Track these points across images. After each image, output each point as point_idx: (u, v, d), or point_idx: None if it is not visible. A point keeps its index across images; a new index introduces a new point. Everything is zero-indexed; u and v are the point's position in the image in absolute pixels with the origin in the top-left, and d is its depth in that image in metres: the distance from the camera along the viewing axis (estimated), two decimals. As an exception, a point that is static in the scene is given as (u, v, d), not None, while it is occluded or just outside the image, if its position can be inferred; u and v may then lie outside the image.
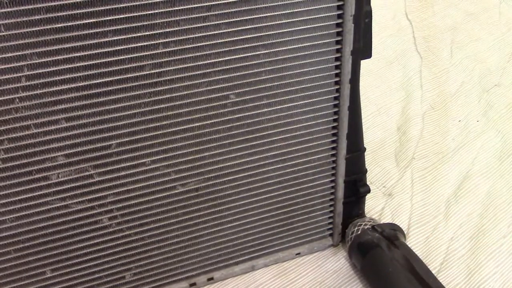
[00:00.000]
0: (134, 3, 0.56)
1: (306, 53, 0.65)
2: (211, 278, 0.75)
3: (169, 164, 0.65)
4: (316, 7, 0.63)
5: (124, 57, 0.58)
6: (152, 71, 0.59)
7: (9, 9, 0.51)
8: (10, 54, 0.53)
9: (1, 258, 0.63)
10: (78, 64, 0.56)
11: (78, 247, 0.66)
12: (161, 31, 0.58)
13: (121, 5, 0.55)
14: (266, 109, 0.66)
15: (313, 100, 0.68)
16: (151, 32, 0.57)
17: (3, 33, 0.52)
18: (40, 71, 0.55)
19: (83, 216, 0.65)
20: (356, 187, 0.79)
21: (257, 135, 0.67)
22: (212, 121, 0.65)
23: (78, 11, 0.54)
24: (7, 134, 0.57)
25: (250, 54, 0.62)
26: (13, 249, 0.63)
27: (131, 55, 0.58)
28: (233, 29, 0.60)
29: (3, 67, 0.54)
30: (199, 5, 0.58)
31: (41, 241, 0.64)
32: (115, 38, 0.56)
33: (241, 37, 0.61)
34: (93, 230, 0.66)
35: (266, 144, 0.68)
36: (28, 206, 0.61)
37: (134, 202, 0.66)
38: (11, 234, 0.62)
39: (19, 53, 0.54)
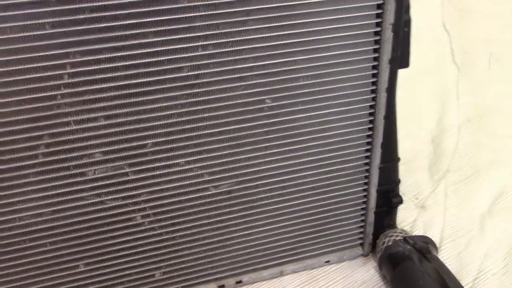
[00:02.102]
0: (175, 6, 0.56)
1: (344, 60, 0.65)
2: (240, 281, 0.76)
3: (203, 165, 0.66)
4: (355, 14, 0.63)
5: (163, 58, 0.58)
6: (190, 73, 0.60)
7: (55, 8, 0.53)
8: (54, 52, 0.55)
9: (36, 250, 0.65)
10: (118, 64, 0.57)
11: (111, 243, 0.67)
12: (200, 34, 0.58)
13: (163, 7, 0.56)
14: (301, 115, 0.66)
15: (349, 107, 0.68)
16: (191, 35, 0.58)
17: (49, 31, 0.54)
18: (82, 69, 0.56)
19: (117, 213, 0.66)
20: (389, 198, 0.78)
21: (292, 140, 0.67)
22: (248, 124, 0.65)
23: (121, 12, 0.55)
24: (48, 129, 0.58)
25: (288, 59, 0.63)
26: (49, 241, 0.65)
27: (170, 57, 0.59)
28: (272, 34, 0.61)
29: (47, 64, 0.55)
30: (238, 9, 0.58)
31: (75, 235, 0.65)
32: (156, 39, 0.57)
33: (279, 42, 0.61)
34: (126, 227, 0.67)
35: (300, 149, 0.68)
36: (65, 200, 0.63)
37: (167, 202, 0.67)
38: (48, 227, 0.64)
39: (63, 51, 0.55)
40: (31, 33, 0.53)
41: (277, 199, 0.71)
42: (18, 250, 0.64)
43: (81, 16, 0.54)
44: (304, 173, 0.70)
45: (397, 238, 0.76)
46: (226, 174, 0.68)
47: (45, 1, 0.52)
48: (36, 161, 0.60)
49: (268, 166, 0.68)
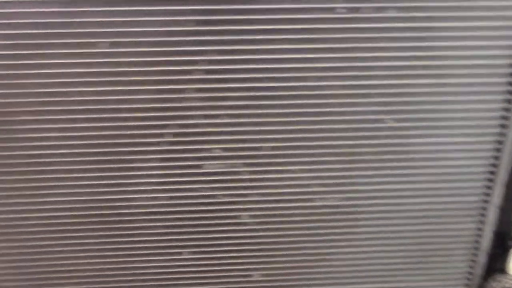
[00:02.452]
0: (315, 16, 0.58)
1: (474, 89, 0.63)
2: (334, 298, 0.75)
3: (314, 176, 0.67)
4: (491, 43, 0.60)
5: (291, 66, 0.60)
6: (315, 84, 0.61)
7: (201, 7, 0.57)
8: (194, 48, 0.59)
9: (149, 231, 0.69)
10: (249, 66, 0.60)
11: (216, 236, 0.70)
12: (328, 45, 0.59)
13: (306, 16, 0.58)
14: (420, 139, 0.65)
15: (473, 139, 0.65)
16: (318, 46, 0.59)
17: (192, 28, 0.58)
18: (217, 67, 0.60)
19: (226, 208, 0.68)
20: (504, 240, 0.73)
21: (408, 164, 0.66)
22: (364, 142, 0.65)
23: (258, 17, 0.58)
24: (177, 120, 0.62)
25: (414, 81, 0.62)
26: (162, 225, 0.69)
27: (297, 65, 0.60)
28: (401, 54, 0.60)
29: (185, 58, 0.59)
30: (372, 25, 0.59)
31: (185, 223, 0.69)
32: (286, 46, 0.59)
33: (407, 63, 0.61)
34: (232, 224, 0.69)
35: (415, 175, 0.67)
36: (181, 189, 0.67)
37: (274, 206, 0.69)
38: (162, 211, 0.68)
39: (202, 48, 0.59)
40: (176, 28, 0.58)
41: (384, 222, 0.70)
42: (132, 228, 0.69)
43: (224, 17, 0.57)
44: (416, 200, 0.69)
45: (507, 285, 0.71)
46: (335, 188, 0.68)
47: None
48: (161, 148, 0.64)
49: (379, 187, 0.67)
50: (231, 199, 0.68)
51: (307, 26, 0.58)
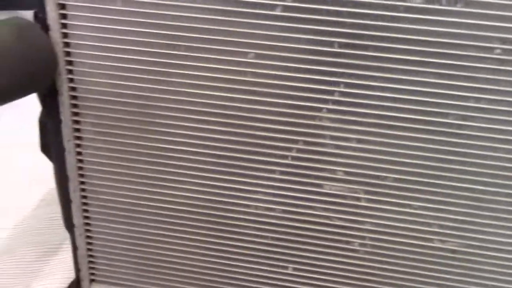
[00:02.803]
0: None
1: None
2: None
3: (435, 215, 0.64)
4: None
5: (430, 100, 0.58)
6: (455, 122, 0.59)
7: (347, 30, 0.57)
8: (334, 69, 0.58)
9: (259, 239, 0.70)
10: (386, 95, 0.59)
11: (324, 258, 0.69)
12: (478, 85, 0.56)
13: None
14: None
15: None
16: (468, 84, 0.57)
17: (335, 49, 0.57)
18: (353, 91, 0.59)
19: (339, 232, 0.67)
20: None
21: (543, 221, 0.61)
22: (497, 189, 0.61)
23: (400, 46, 0.56)
24: (304, 136, 0.63)
25: None
26: (271, 236, 0.70)
27: (437, 100, 0.58)
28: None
29: (323, 78, 0.59)
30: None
31: (295, 239, 0.69)
32: (427, 80, 0.57)
33: None
34: (342, 249, 0.68)
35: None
36: (296, 204, 0.67)
37: (387, 238, 0.66)
38: (275, 223, 0.68)
39: (340, 70, 0.58)
40: (319, 48, 0.58)
41: (506, 277, 0.65)
42: (243, 234, 0.70)
43: (369, 43, 0.57)
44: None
45: None
46: (457, 233, 0.64)
47: (338, 22, 0.56)
48: (284, 161, 0.64)
49: (506, 240, 0.63)
50: (345, 224, 0.67)
51: (455, 62, 0.56)
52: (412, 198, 0.64)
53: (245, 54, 0.59)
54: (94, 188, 0.71)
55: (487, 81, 0.56)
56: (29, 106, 0.72)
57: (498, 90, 0.56)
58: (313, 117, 0.61)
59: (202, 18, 0.58)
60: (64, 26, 0.60)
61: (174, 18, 0.58)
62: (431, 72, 0.57)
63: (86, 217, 0.74)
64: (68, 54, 0.62)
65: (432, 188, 0.63)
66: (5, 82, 0.52)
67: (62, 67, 0.62)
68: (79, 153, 0.69)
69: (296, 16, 0.56)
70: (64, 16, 0.60)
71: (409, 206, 0.64)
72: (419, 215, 0.65)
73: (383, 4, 0.54)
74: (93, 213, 0.73)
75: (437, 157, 0.61)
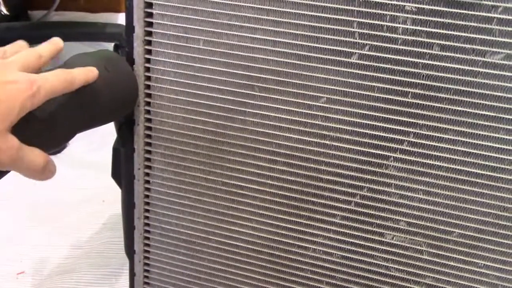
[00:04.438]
0: None
1: None
2: None
3: (502, 277, 0.62)
4: None
5: (498, 156, 0.57)
6: (506, 167, 0.57)
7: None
8: (406, 119, 0.59)
9: (314, 283, 0.69)
10: (456, 148, 0.58)
11: (379, 308, 0.68)
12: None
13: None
14: None
15: None
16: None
17: (408, 99, 0.58)
18: (423, 141, 0.59)
19: (396, 283, 0.66)
20: None
21: None
22: None
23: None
24: (370, 184, 0.63)
25: None
26: (326, 281, 0.69)
27: (507, 157, 0.57)
28: None
29: (395, 127, 0.59)
30: None
31: (350, 286, 0.68)
32: (503, 136, 0.56)
33: None
34: (398, 301, 0.67)
35: None
36: (356, 251, 0.66)
37: (448, 295, 0.65)
38: (331, 268, 0.68)
39: (412, 120, 0.59)
40: (392, 97, 0.58)
41: None
42: (300, 277, 0.70)
43: (444, 95, 0.57)
44: None
45: None
46: (524, 296, 0.62)
47: (413, 73, 0.57)
48: (348, 206, 0.64)
49: None
50: (404, 276, 0.66)
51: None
52: (478, 256, 0.62)
53: (317, 98, 0.60)
54: (158, 217, 0.73)
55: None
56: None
57: None
58: (380, 165, 0.62)
59: (279, 61, 0.60)
60: (148, 61, 0.64)
61: (251, 59, 0.61)
62: (506, 129, 0.56)
63: (147, 245, 0.75)
64: (148, 87, 0.65)
65: (499, 247, 0.61)
66: (92, 110, 0.55)
67: (142, 98, 0.65)
68: (147, 182, 0.71)
69: (372, 65, 0.57)
70: (149, 52, 0.64)
71: (474, 264, 0.63)
72: (483, 274, 0.63)
73: (461, 58, 0.55)
74: (154, 241, 0.75)
75: (506, 215, 0.59)
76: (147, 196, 0.72)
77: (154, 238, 0.74)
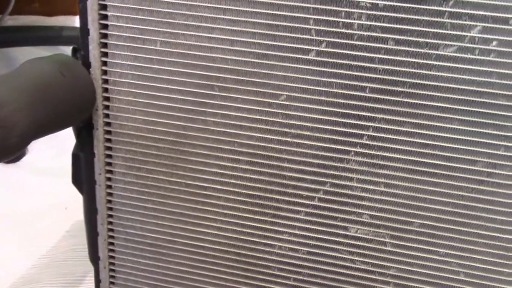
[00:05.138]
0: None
1: None
2: None
3: (463, 264, 0.63)
4: None
5: (457, 146, 0.59)
6: (483, 169, 0.59)
7: (379, 77, 0.58)
8: (364, 113, 0.60)
9: (280, 280, 0.70)
10: (414, 140, 0.59)
11: (346, 302, 0.69)
12: (509, 134, 0.57)
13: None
14: None
15: None
16: (498, 132, 0.57)
17: (367, 94, 0.59)
18: (382, 135, 0.60)
19: (361, 276, 0.67)
20: None
21: None
22: (526, 240, 0.61)
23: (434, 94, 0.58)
24: (332, 179, 0.63)
25: None
26: (294, 277, 0.70)
27: (466, 147, 0.58)
28: None
29: (354, 122, 0.60)
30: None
31: (318, 281, 0.69)
32: (462, 127, 0.58)
33: None
34: (365, 293, 0.68)
35: None
36: (321, 246, 0.67)
37: (412, 285, 0.66)
38: (298, 264, 0.68)
39: (370, 114, 0.60)
40: (350, 92, 0.59)
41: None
42: (265, 274, 0.70)
43: (400, 89, 0.58)
44: None
45: None
46: (484, 282, 0.64)
47: (370, 68, 0.58)
48: (312, 202, 0.65)
49: (535, 291, 0.62)
50: (369, 268, 0.67)
51: (485, 111, 0.57)
52: (439, 244, 0.64)
53: (277, 96, 0.61)
54: (122, 222, 0.72)
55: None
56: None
57: (527, 140, 0.57)
58: (341, 160, 0.62)
59: (238, 60, 0.60)
60: (105, 63, 0.63)
61: (210, 59, 0.61)
62: (461, 120, 0.58)
63: (111, 251, 0.74)
64: (106, 90, 0.64)
65: (459, 235, 0.63)
66: (47, 116, 0.54)
67: (100, 102, 0.64)
68: (109, 187, 0.70)
69: (329, 61, 0.58)
70: (105, 54, 0.63)
71: (435, 252, 0.64)
72: (445, 262, 0.64)
73: (416, 52, 0.56)
74: (119, 247, 0.74)
75: (464, 204, 0.61)
76: (109, 201, 0.71)
77: (119, 243, 0.73)
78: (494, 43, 0.54)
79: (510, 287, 0.63)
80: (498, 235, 0.61)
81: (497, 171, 0.59)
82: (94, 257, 0.75)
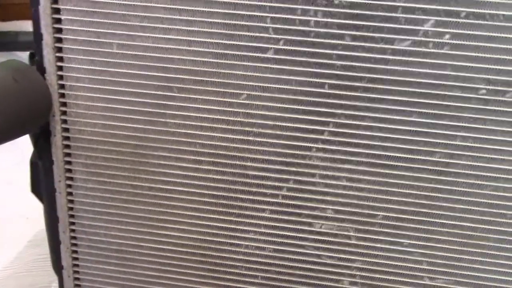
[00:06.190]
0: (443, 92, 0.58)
1: None
2: None
3: (426, 253, 0.65)
4: None
5: (415, 138, 0.60)
6: (441, 160, 0.60)
7: (338, 72, 0.59)
8: (324, 109, 0.60)
9: (248, 279, 0.70)
10: (375, 134, 0.60)
11: (315, 297, 0.69)
12: (464, 124, 0.58)
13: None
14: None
15: None
16: (454, 123, 0.58)
17: (327, 91, 0.59)
18: (342, 130, 0.61)
19: (328, 270, 0.68)
20: None
21: (530, 257, 0.63)
22: (484, 226, 0.62)
23: (392, 87, 0.58)
24: (295, 175, 0.64)
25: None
26: (261, 275, 0.70)
27: (424, 139, 0.60)
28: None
29: (314, 118, 0.60)
30: (511, 110, 0.57)
31: (285, 278, 0.69)
32: (419, 120, 0.59)
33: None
34: (332, 287, 0.68)
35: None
36: (287, 243, 0.67)
37: (378, 277, 0.67)
38: (265, 262, 0.69)
39: (330, 110, 0.60)
40: (309, 89, 0.59)
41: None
42: (233, 274, 0.70)
43: (358, 84, 0.59)
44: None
45: None
46: (446, 270, 0.65)
47: (328, 64, 0.58)
48: (275, 200, 0.65)
49: (495, 276, 0.64)
50: (335, 262, 0.67)
51: (441, 102, 0.58)
52: (402, 235, 0.65)
53: (237, 95, 0.60)
54: (85, 229, 0.70)
55: (474, 120, 0.58)
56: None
57: (484, 129, 0.58)
58: (303, 156, 0.63)
59: (196, 60, 0.60)
60: (60, 68, 0.62)
61: (168, 60, 0.60)
62: (418, 112, 0.59)
63: (75, 259, 0.73)
64: (62, 95, 0.63)
65: (421, 225, 0.64)
66: (2, 123, 0.53)
67: (56, 108, 0.63)
68: (69, 194, 0.69)
69: (288, 59, 0.58)
70: (60, 59, 0.61)
71: (399, 243, 0.65)
72: (408, 253, 0.65)
73: (372, 47, 0.57)
74: (83, 254, 0.72)
75: (425, 194, 0.62)
76: (71, 209, 0.69)
77: (82, 251, 0.72)
78: (447, 36, 0.55)
79: (472, 273, 0.65)
80: (460, 223, 0.63)
81: (455, 161, 0.60)
82: (58, 266, 0.74)
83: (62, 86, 0.63)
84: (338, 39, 0.57)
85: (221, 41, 0.58)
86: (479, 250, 0.64)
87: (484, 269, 0.64)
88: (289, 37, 0.57)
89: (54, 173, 0.67)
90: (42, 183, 0.69)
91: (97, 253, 0.72)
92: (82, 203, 0.69)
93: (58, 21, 0.60)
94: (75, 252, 0.72)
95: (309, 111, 0.60)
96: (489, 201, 0.61)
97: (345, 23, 0.56)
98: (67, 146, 0.66)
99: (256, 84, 0.60)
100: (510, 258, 0.63)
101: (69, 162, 0.67)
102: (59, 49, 0.61)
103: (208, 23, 0.58)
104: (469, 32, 0.55)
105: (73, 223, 0.70)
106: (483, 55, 0.55)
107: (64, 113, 0.64)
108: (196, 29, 0.58)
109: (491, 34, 0.55)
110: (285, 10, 0.57)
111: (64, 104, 0.64)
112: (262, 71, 0.59)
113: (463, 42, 0.55)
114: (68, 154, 0.66)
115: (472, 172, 0.60)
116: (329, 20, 0.56)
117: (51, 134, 0.65)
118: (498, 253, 0.63)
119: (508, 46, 0.55)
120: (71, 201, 0.69)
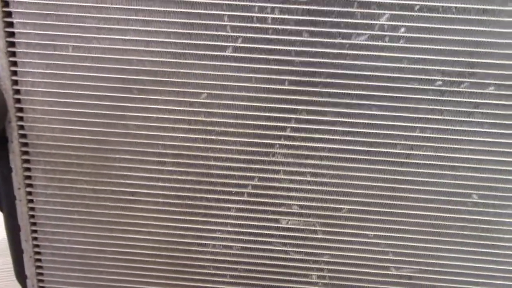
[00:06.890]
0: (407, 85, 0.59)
1: None
2: None
3: (390, 243, 0.66)
4: None
5: (376, 131, 0.60)
6: (402, 151, 0.61)
7: (297, 68, 0.59)
8: (285, 106, 0.60)
9: (217, 278, 0.70)
10: (337, 128, 0.61)
11: (284, 293, 0.69)
12: (422, 116, 0.59)
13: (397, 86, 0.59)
14: (508, 219, 0.63)
15: None
16: (412, 115, 0.59)
17: (286, 87, 0.59)
18: (304, 126, 0.61)
19: (296, 265, 0.68)
20: None
21: (491, 243, 0.64)
22: (446, 215, 0.64)
23: (351, 82, 0.59)
24: (260, 173, 0.64)
25: (504, 159, 0.61)
26: (230, 274, 0.69)
27: (384, 131, 0.60)
28: (498, 131, 0.59)
29: (274, 115, 0.61)
30: (466, 100, 0.58)
31: (253, 275, 0.69)
32: (378, 113, 0.60)
33: (502, 140, 0.60)
34: (301, 282, 0.69)
35: (499, 255, 0.64)
36: (255, 240, 0.67)
37: (345, 269, 0.68)
38: (233, 261, 0.68)
39: (291, 106, 0.60)
40: (270, 86, 0.59)
41: (460, 300, 0.67)
42: (201, 274, 0.70)
43: (318, 80, 0.59)
44: (499, 281, 0.66)
45: None
46: (412, 259, 0.66)
47: (287, 61, 0.58)
48: (241, 198, 0.65)
49: (460, 263, 0.65)
50: (302, 257, 0.68)
51: (399, 95, 0.59)
52: (367, 227, 0.65)
53: (198, 95, 0.60)
54: (47, 236, 0.69)
55: (431, 111, 0.59)
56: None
57: (441, 120, 0.59)
58: (267, 154, 0.63)
59: (154, 60, 0.59)
60: (15, 73, 0.60)
61: (125, 62, 0.59)
62: (377, 105, 0.59)
63: (39, 267, 0.71)
64: (18, 101, 0.61)
65: (386, 216, 0.65)
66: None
67: (12, 114, 0.61)
68: (30, 201, 0.67)
69: (246, 56, 0.58)
70: (14, 64, 0.60)
71: (365, 235, 0.66)
72: (374, 244, 0.66)
73: (330, 42, 0.57)
74: (46, 262, 0.71)
75: (388, 186, 0.63)
76: (32, 216, 0.68)
77: (46, 259, 0.70)
78: (402, 29, 0.56)
79: (438, 261, 0.66)
80: (424, 213, 0.64)
81: (415, 152, 0.61)
82: (21, 276, 0.72)
83: (17, 91, 0.61)
84: (296, 36, 0.57)
85: (179, 41, 0.58)
86: (443, 238, 0.65)
87: (450, 257, 0.66)
88: (247, 35, 0.57)
89: (13, 181, 0.66)
90: (1, 191, 0.67)
91: (62, 260, 0.70)
92: (43, 210, 0.67)
93: (10, 24, 0.59)
94: (39, 260, 0.71)
95: (270, 108, 0.60)
96: (450, 190, 0.62)
97: (302, 19, 0.57)
98: (26, 153, 0.64)
99: (216, 82, 0.59)
100: (472, 244, 0.65)
101: (28, 169, 0.65)
102: (13, 53, 0.60)
103: (165, 22, 0.57)
104: (423, 25, 0.56)
105: (35, 231, 0.69)
106: (438, 47, 0.56)
107: (20, 118, 0.62)
108: (153, 29, 0.58)
109: (444, 26, 0.56)
110: (242, 7, 0.57)
111: (20, 110, 0.62)
112: (222, 69, 0.59)
113: (418, 35, 0.56)
114: (27, 161, 0.65)
115: (432, 162, 0.61)
116: (286, 16, 0.56)
117: (8, 141, 0.63)
118: (461, 240, 0.65)
119: (461, 38, 0.56)
120: (32, 209, 0.67)
